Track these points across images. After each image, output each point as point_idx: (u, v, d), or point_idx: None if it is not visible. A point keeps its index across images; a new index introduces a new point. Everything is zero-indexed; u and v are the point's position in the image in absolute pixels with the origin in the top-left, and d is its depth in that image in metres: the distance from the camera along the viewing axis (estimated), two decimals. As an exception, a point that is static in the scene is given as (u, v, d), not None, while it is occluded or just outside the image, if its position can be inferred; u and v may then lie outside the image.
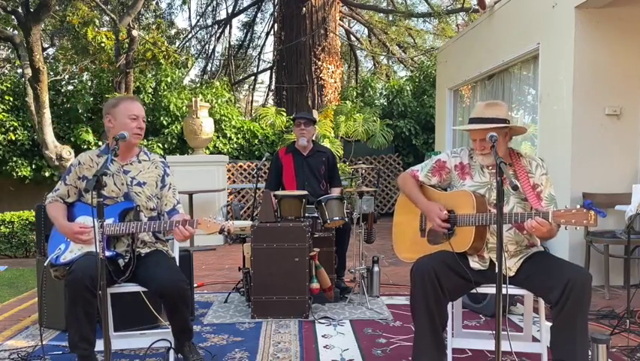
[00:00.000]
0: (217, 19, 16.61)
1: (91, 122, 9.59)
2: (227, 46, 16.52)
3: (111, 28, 10.05)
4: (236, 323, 3.68)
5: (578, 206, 2.24)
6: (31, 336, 3.44)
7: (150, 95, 9.73)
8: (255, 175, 5.04)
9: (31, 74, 7.52)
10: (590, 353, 2.42)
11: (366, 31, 17.03)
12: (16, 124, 9.21)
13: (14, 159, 9.29)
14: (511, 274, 2.53)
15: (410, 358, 2.79)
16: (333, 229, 4.14)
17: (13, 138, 9.19)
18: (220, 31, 16.32)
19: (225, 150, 9.83)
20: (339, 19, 13.38)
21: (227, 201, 8.01)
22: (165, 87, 9.76)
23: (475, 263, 2.57)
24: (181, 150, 9.59)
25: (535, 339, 2.90)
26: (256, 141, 10.15)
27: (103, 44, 9.32)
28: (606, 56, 4.62)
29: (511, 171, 2.57)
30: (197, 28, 16.51)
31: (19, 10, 7.83)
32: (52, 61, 11.57)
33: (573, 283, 2.30)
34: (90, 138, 9.27)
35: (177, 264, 2.89)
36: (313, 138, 4.66)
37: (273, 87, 15.34)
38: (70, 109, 9.41)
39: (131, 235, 2.73)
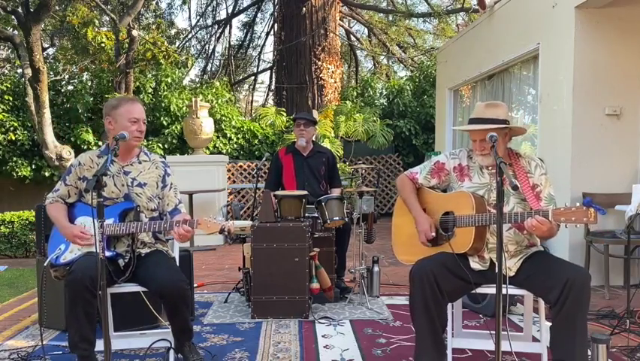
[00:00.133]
0: (217, 19, 16.62)
1: (91, 122, 9.59)
2: (227, 46, 16.53)
3: (111, 28, 10.05)
4: (236, 323, 3.68)
5: (578, 204, 2.24)
6: (31, 336, 3.44)
7: (150, 95, 9.73)
8: (255, 175, 5.04)
9: (31, 74, 7.52)
10: (589, 352, 2.42)
11: (366, 31, 17.04)
12: (16, 124, 9.21)
13: (14, 159, 9.29)
14: (512, 274, 2.53)
15: (411, 358, 2.80)
16: (333, 229, 4.14)
17: (13, 138, 9.19)
18: (220, 31, 16.32)
19: (225, 150, 9.83)
20: (339, 19, 13.38)
21: (227, 201, 8.01)
22: (165, 87, 9.76)
23: (475, 264, 2.57)
24: (181, 150, 9.59)
25: (535, 339, 2.90)
26: (256, 141, 10.15)
27: (103, 44, 9.33)
28: (606, 56, 4.62)
29: (511, 171, 2.57)
30: (197, 28, 16.53)
31: (19, 10, 7.83)
32: (52, 61, 11.57)
33: (572, 282, 2.30)
34: (90, 138, 9.27)
35: (177, 264, 2.89)
36: (313, 139, 4.66)
37: (273, 87, 15.34)
38: (70, 109, 9.41)
39: (131, 235, 2.73)
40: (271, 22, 16.00)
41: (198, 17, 16.73)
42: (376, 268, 4.31)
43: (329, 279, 3.93)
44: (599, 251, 4.37)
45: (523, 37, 5.59)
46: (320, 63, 11.70)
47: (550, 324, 2.39)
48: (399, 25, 15.07)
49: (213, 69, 16.53)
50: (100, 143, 9.15)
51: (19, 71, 10.60)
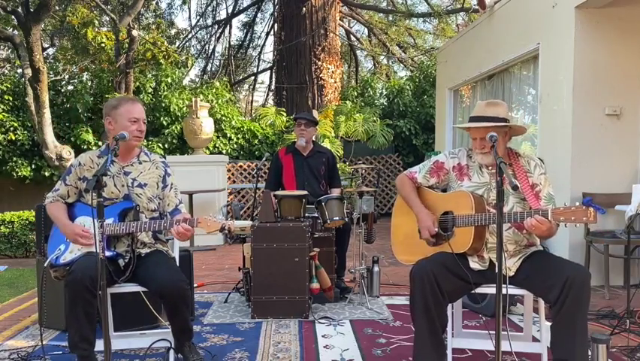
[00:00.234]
0: (217, 19, 16.62)
1: (91, 122, 9.59)
2: (227, 46, 16.53)
3: (111, 28, 10.05)
4: (236, 323, 3.68)
5: (578, 203, 2.24)
6: (31, 336, 3.44)
7: (150, 95, 9.73)
8: (255, 175, 5.04)
9: (31, 74, 7.52)
10: (589, 352, 2.42)
11: (366, 31, 17.04)
12: (16, 124, 9.21)
13: (14, 159, 9.29)
14: (511, 273, 2.53)
15: (410, 359, 2.80)
16: (333, 229, 4.14)
17: (13, 138, 9.18)
18: (220, 31, 16.32)
19: (225, 150, 9.83)
20: (339, 19, 13.38)
21: (227, 201, 8.01)
22: (165, 87, 9.76)
23: (474, 264, 2.57)
24: (181, 150, 9.59)
25: (535, 339, 2.90)
26: (256, 141, 10.14)
27: (103, 44, 9.32)
28: (606, 56, 4.62)
29: (510, 170, 2.57)
30: (197, 28, 16.52)
31: (19, 10, 7.82)
32: (52, 61, 11.57)
33: (572, 281, 2.31)
34: (90, 138, 9.26)
35: (177, 264, 2.89)
36: (313, 139, 4.66)
37: (273, 87, 15.34)
38: (70, 109, 9.41)
39: (130, 234, 2.73)
40: (271, 22, 16.01)
41: (198, 17, 16.75)
42: (376, 268, 4.31)
43: (329, 279, 3.93)
44: (599, 251, 4.36)
45: (523, 37, 5.59)
46: (320, 63, 11.70)
47: (551, 323, 2.39)
48: (399, 25, 15.06)
49: (213, 69, 16.54)
50: (100, 143, 9.15)
51: (19, 71, 10.60)
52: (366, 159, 10.03)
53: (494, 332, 2.15)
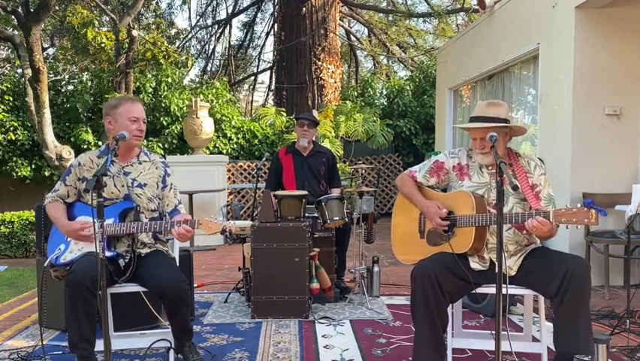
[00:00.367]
0: (217, 19, 16.62)
1: (91, 122, 9.59)
2: (227, 46, 16.53)
3: (111, 28, 10.05)
4: (236, 323, 3.68)
5: (579, 205, 2.24)
6: (31, 336, 3.44)
7: (150, 95, 9.72)
8: (255, 175, 5.04)
9: (31, 74, 7.52)
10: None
11: (366, 31, 17.04)
12: (16, 124, 9.21)
13: (14, 159, 9.29)
14: (512, 273, 2.53)
15: (410, 358, 2.79)
16: (333, 229, 4.14)
17: (13, 138, 9.19)
18: (220, 31, 16.32)
19: (225, 150, 9.83)
20: (339, 19, 13.39)
21: (227, 201, 8.01)
22: (165, 87, 9.76)
23: (475, 264, 2.57)
24: (181, 150, 9.59)
25: (535, 339, 2.90)
26: (256, 141, 10.14)
27: (103, 44, 9.32)
28: (606, 56, 4.61)
29: (510, 171, 2.57)
30: (197, 28, 16.53)
31: (19, 10, 7.83)
32: (52, 61, 11.56)
33: (572, 272, 2.31)
34: (90, 138, 9.26)
35: (177, 264, 2.89)
36: (313, 139, 4.66)
37: (273, 87, 15.34)
38: (70, 109, 9.41)
39: (131, 235, 2.73)
40: (271, 22, 16.02)
41: (198, 17, 16.76)
42: (376, 268, 4.31)
43: (329, 279, 3.93)
44: (599, 251, 4.37)
45: (523, 37, 5.59)
46: (320, 63, 11.70)
47: (553, 318, 2.38)
48: (399, 25, 15.07)
49: (213, 69, 16.54)
50: (100, 143, 9.15)
51: (19, 71, 10.59)
52: (366, 159, 10.03)
53: (494, 332, 2.15)
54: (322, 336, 3.38)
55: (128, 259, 2.71)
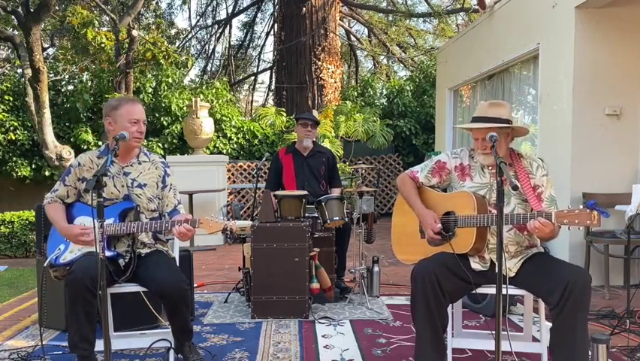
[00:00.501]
0: (217, 19, 16.63)
1: (91, 122, 9.59)
2: (227, 46, 16.54)
3: (111, 28, 10.05)
4: (236, 323, 3.68)
5: (581, 206, 2.24)
6: (31, 336, 3.44)
7: (150, 95, 9.72)
8: (255, 175, 5.04)
9: (31, 74, 7.52)
10: (590, 353, 2.42)
11: (366, 31, 17.05)
12: (16, 124, 9.21)
13: (14, 159, 9.29)
14: (512, 274, 2.53)
15: (411, 358, 2.80)
16: (333, 229, 4.14)
17: (13, 138, 9.19)
18: (220, 31, 16.32)
19: (225, 150, 9.83)
20: (339, 19, 13.38)
21: (228, 201, 8.01)
22: (165, 87, 9.76)
23: (475, 264, 2.56)
24: (181, 150, 9.59)
25: (535, 339, 2.90)
26: (256, 141, 10.14)
27: (103, 44, 9.32)
28: (606, 56, 4.61)
29: (512, 171, 2.57)
30: (197, 28, 16.53)
31: (19, 10, 7.83)
32: (52, 61, 11.56)
33: (573, 284, 2.30)
34: (90, 138, 9.26)
35: (177, 264, 2.89)
36: (313, 139, 4.66)
37: (273, 87, 15.35)
38: (70, 109, 9.41)
39: (131, 235, 2.73)
40: (271, 22, 16.02)
41: (198, 17, 16.76)
42: (376, 268, 4.31)
43: (329, 279, 3.93)
44: (599, 251, 4.37)
45: (523, 37, 5.59)
46: (320, 63, 11.70)
47: (551, 326, 2.39)
48: (399, 25, 15.07)
49: (213, 69, 16.55)
50: (100, 143, 9.15)
51: (19, 71, 10.59)
52: (366, 159, 10.03)
53: (494, 332, 2.15)
54: (322, 336, 3.38)
55: (128, 259, 2.71)
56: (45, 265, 2.71)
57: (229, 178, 9.07)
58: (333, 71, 11.93)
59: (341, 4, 13.18)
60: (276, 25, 14.13)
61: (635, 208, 3.28)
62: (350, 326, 3.58)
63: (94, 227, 2.24)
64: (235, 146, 10.04)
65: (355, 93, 12.09)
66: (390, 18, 15.40)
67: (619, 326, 3.32)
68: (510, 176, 2.17)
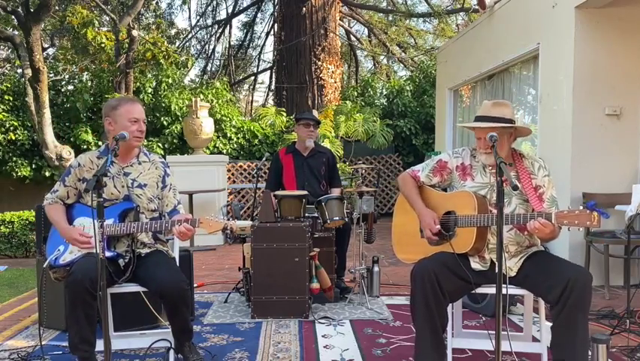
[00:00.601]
0: (217, 19, 16.63)
1: (91, 122, 9.59)
2: (227, 46, 16.54)
3: (111, 28, 10.04)
4: (236, 323, 3.68)
5: (581, 207, 2.24)
6: (31, 336, 3.44)
7: (150, 95, 9.73)
8: (255, 175, 5.04)
9: (31, 74, 7.52)
10: (590, 352, 2.42)
11: (366, 31, 17.05)
12: (16, 124, 9.21)
13: (14, 159, 9.29)
14: (512, 274, 2.53)
15: (411, 358, 2.79)
16: (333, 229, 4.14)
17: (13, 138, 9.19)
18: (220, 31, 16.33)
19: (225, 150, 9.83)
20: (339, 19, 13.39)
21: (228, 201, 8.01)
22: (165, 87, 9.76)
23: (475, 264, 2.56)
24: (181, 150, 9.59)
25: (535, 339, 2.90)
26: (256, 141, 10.15)
27: (103, 44, 9.32)
28: (606, 56, 4.61)
29: (514, 171, 2.57)
30: (197, 28, 16.53)
31: (19, 10, 7.83)
32: (52, 61, 11.56)
33: (574, 282, 2.30)
34: (90, 138, 9.26)
35: (177, 264, 2.89)
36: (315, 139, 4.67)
37: (273, 87, 15.35)
38: (70, 109, 9.41)
39: (131, 235, 2.73)
40: (271, 22, 16.03)
41: (198, 17, 16.77)
42: (376, 268, 4.31)
43: (329, 279, 3.93)
44: (599, 251, 4.37)
45: (523, 37, 5.59)
46: (320, 63, 11.70)
47: (551, 324, 2.39)
48: (399, 25, 15.07)
49: (213, 69, 16.55)
50: (100, 143, 9.14)
51: (19, 71, 10.59)
52: (366, 159, 10.03)
53: (494, 332, 2.15)
54: (322, 336, 3.38)
55: (127, 259, 2.71)
56: (44, 266, 2.70)
57: (229, 178, 9.07)
58: (333, 71, 11.93)
59: (341, 4, 13.18)
60: (276, 25, 14.13)
61: (635, 208, 3.28)
62: (350, 326, 3.58)
63: (94, 227, 2.24)
64: (235, 146, 10.04)
65: (355, 93, 12.09)
66: (390, 18, 15.40)
67: (619, 326, 3.32)
68: (510, 176, 2.17)
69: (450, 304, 2.59)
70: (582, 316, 2.33)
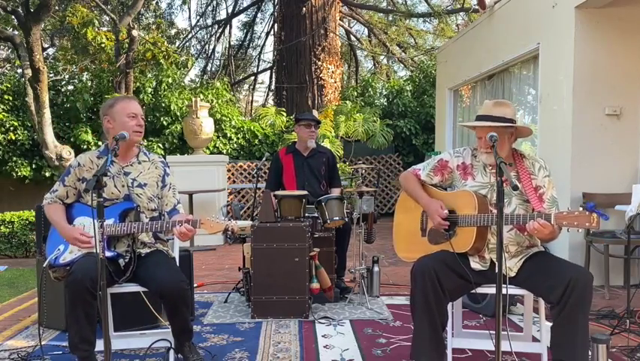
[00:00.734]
0: (217, 19, 16.64)
1: (91, 122, 9.60)
2: (227, 46, 16.54)
3: (111, 28, 10.05)
4: (237, 323, 3.68)
5: (581, 208, 2.24)
6: (31, 336, 3.44)
7: (150, 95, 9.73)
8: (255, 175, 5.04)
9: (31, 74, 7.52)
10: (590, 353, 2.42)
11: (366, 31, 17.05)
12: (16, 124, 9.21)
13: (14, 159, 9.29)
14: (512, 274, 2.53)
15: (409, 357, 2.79)
16: (333, 229, 4.14)
17: (13, 138, 9.19)
18: (220, 31, 16.33)
19: (225, 150, 9.84)
20: (339, 19, 13.39)
21: (228, 201, 8.01)
22: (165, 87, 9.77)
23: (475, 264, 2.56)
24: (181, 150, 9.59)
25: (535, 339, 2.90)
26: (256, 141, 10.15)
27: (103, 44, 9.32)
28: (606, 56, 4.61)
29: (514, 172, 2.57)
30: (197, 28, 16.54)
31: (19, 10, 7.83)
32: (52, 61, 11.57)
33: (575, 282, 2.30)
34: (90, 138, 9.27)
35: (177, 264, 2.89)
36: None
37: (273, 87, 15.35)
38: (70, 109, 9.42)
39: (131, 234, 2.73)
40: (271, 22, 16.03)
41: (198, 17, 16.77)
42: (376, 268, 4.31)
43: (329, 279, 3.93)
44: (599, 251, 4.37)
45: (523, 37, 5.59)
46: (320, 63, 11.70)
47: (552, 324, 2.39)
48: (399, 25, 15.07)
49: (213, 69, 16.55)
50: (100, 143, 9.14)
51: (19, 71, 10.60)
52: (366, 159, 10.03)
53: (494, 332, 2.15)
54: (322, 336, 3.37)
55: (128, 259, 2.71)
56: (44, 265, 2.70)
57: (229, 178, 9.07)
58: (333, 71, 11.93)
59: (341, 4, 13.18)
60: (276, 25, 14.13)
61: (635, 208, 3.28)
62: (350, 326, 3.58)
63: (94, 227, 2.24)
64: (235, 146, 10.05)
65: (355, 93, 12.09)
66: (390, 18, 15.40)
67: (619, 326, 3.32)
68: (510, 176, 2.17)
69: (450, 304, 2.59)
70: (582, 316, 2.33)
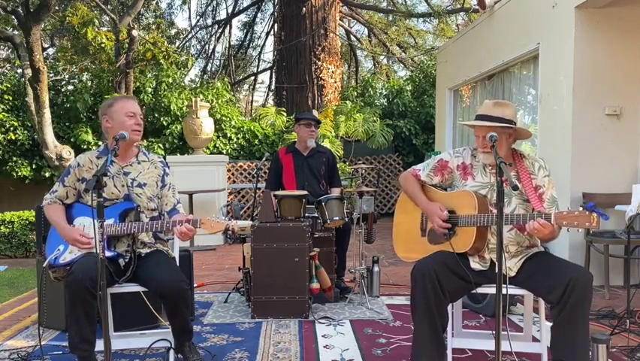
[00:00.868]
0: (217, 19, 16.64)
1: (91, 122, 9.60)
2: (227, 46, 16.54)
3: (111, 28, 10.05)
4: (237, 323, 3.68)
5: (581, 208, 2.24)
6: (31, 336, 3.44)
7: (150, 95, 9.73)
8: (255, 175, 5.04)
9: (31, 74, 7.52)
10: (590, 353, 2.42)
11: (366, 31, 17.05)
12: (16, 124, 9.21)
13: (14, 159, 9.30)
14: (512, 274, 2.53)
15: (409, 358, 2.79)
16: (333, 229, 4.14)
17: (13, 138, 9.19)
18: (220, 31, 16.33)
19: (225, 150, 9.84)
20: (339, 19, 13.39)
21: (228, 201, 8.01)
22: (165, 87, 9.77)
23: (475, 264, 2.56)
24: (181, 150, 9.59)
25: (535, 339, 2.90)
26: (256, 141, 10.15)
27: (103, 44, 9.32)
28: (606, 56, 4.61)
29: (514, 171, 2.57)
30: (197, 28, 16.54)
31: (19, 10, 7.83)
32: (52, 61, 11.57)
33: (575, 282, 2.30)
34: (90, 138, 9.27)
35: (177, 264, 2.89)
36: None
37: (273, 87, 15.35)
38: (70, 109, 9.42)
39: (131, 234, 2.73)
40: (271, 22, 16.03)
41: (198, 17, 16.78)
42: (376, 268, 4.31)
43: (329, 279, 3.93)
44: (599, 251, 4.37)
45: (523, 37, 5.59)
46: (320, 63, 11.70)
47: (552, 324, 2.39)
48: (399, 25, 15.07)
49: (213, 69, 16.55)
50: (100, 143, 9.14)
51: (19, 71, 10.60)
52: (366, 159, 10.03)
53: (494, 332, 2.15)
54: (322, 336, 3.37)
55: (128, 259, 2.71)
56: (44, 265, 2.70)
57: (229, 178, 9.07)
58: (333, 71, 11.93)
59: (341, 4, 13.18)
60: (276, 25, 14.13)
61: (635, 208, 3.28)
62: (350, 326, 3.58)
63: (94, 227, 2.24)
64: (235, 146, 10.04)
65: (355, 93, 12.08)
66: (390, 18, 15.41)
67: (619, 326, 3.32)
68: (510, 176, 2.17)
69: (450, 304, 2.59)
70: (582, 316, 2.33)
